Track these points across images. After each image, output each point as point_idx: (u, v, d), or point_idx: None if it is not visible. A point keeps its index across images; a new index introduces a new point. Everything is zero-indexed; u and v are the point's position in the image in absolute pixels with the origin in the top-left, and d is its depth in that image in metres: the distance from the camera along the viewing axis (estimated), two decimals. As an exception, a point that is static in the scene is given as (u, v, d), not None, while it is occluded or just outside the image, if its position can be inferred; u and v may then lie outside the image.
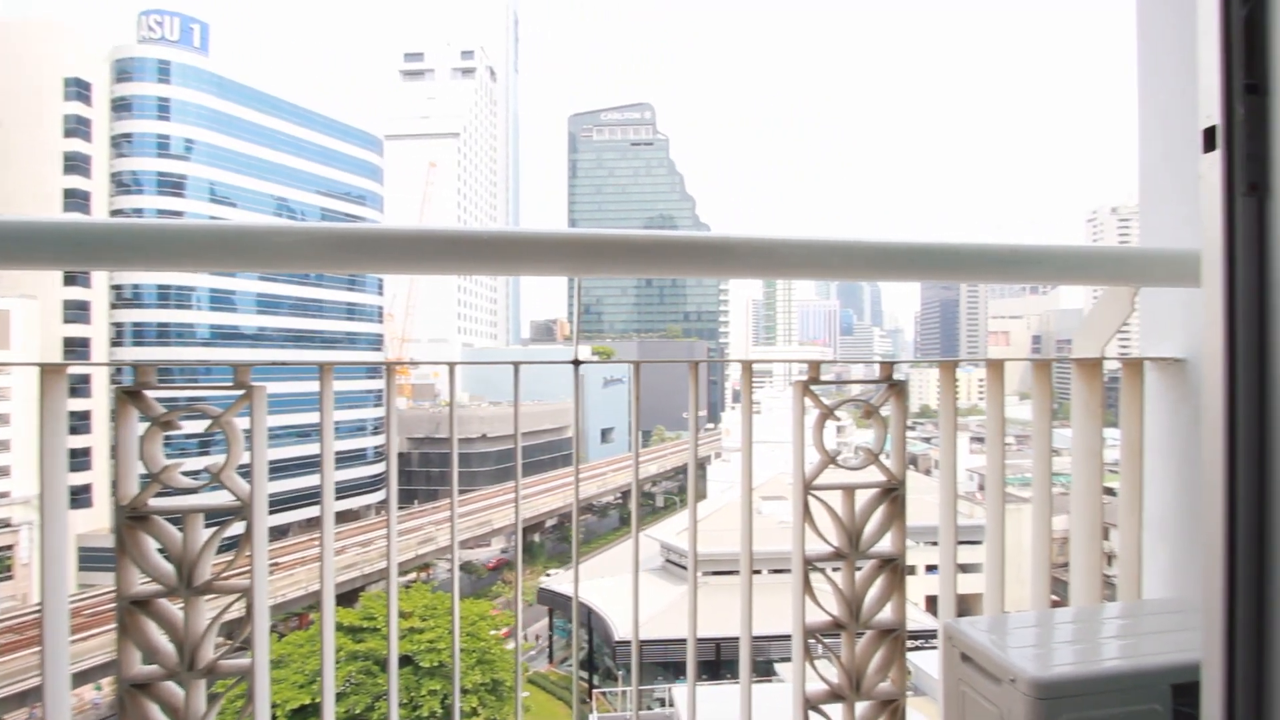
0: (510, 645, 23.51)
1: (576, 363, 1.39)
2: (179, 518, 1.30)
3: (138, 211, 34.61)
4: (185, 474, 1.33)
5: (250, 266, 1.39)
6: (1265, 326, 0.73)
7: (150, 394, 1.28)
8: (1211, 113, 0.71)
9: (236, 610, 1.34)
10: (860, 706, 1.57)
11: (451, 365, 1.40)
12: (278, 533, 30.98)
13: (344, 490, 35.45)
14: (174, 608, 1.31)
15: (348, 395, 37.74)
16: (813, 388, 1.47)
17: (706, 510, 23.28)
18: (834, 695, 1.56)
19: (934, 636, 1.56)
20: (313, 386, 1.39)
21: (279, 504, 29.45)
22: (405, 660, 15.57)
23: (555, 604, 23.22)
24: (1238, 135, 0.70)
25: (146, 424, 1.27)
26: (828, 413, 1.48)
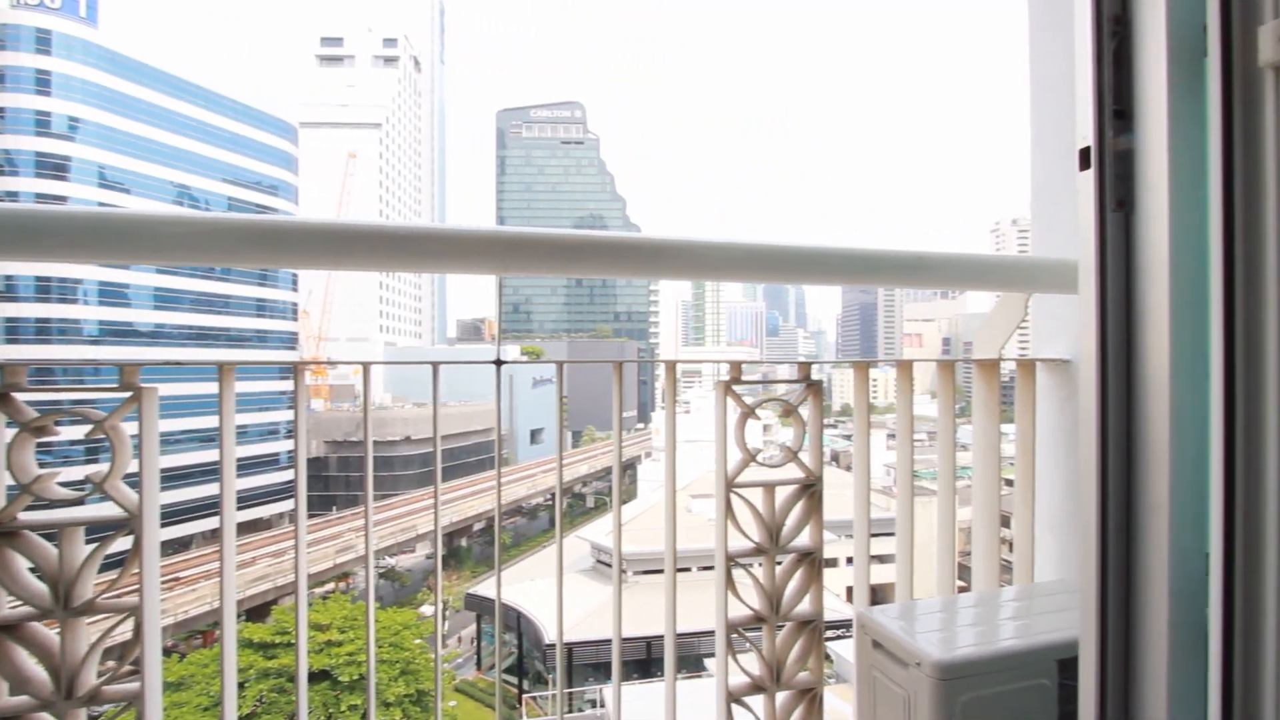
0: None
1: (499, 363, 1.37)
2: (56, 532, 1.18)
3: (12, 195, 31.29)
4: (65, 484, 1.22)
5: (142, 258, 1.28)
6: (1132, 330, 0.80)
7: (20, 396, 1.16)
8: (1086, 135, 0.78)
9: (125, 631, 1.24)
10: (781, 696, 1.62)
11: (366, 365, 1.34)
12: (179, 545, 28.82)
13: (256, 497, 33.31)
14: (50, 631, 1.19)
15: (260, 397, 35.52)
16: (735, 387, 1.50)
17: (636, 509, 23.42)
18: (755, 687, 1.60)
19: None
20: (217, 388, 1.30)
21: (180, 514, 27.40)
22: (323, 675, 14.83)
23: (483, 609, 22.72)
24: (1108, 156, 0.77)
25: (15, 430, 1.15)
26: (749, 412, 1.51)
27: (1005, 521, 1.96)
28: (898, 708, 1.28)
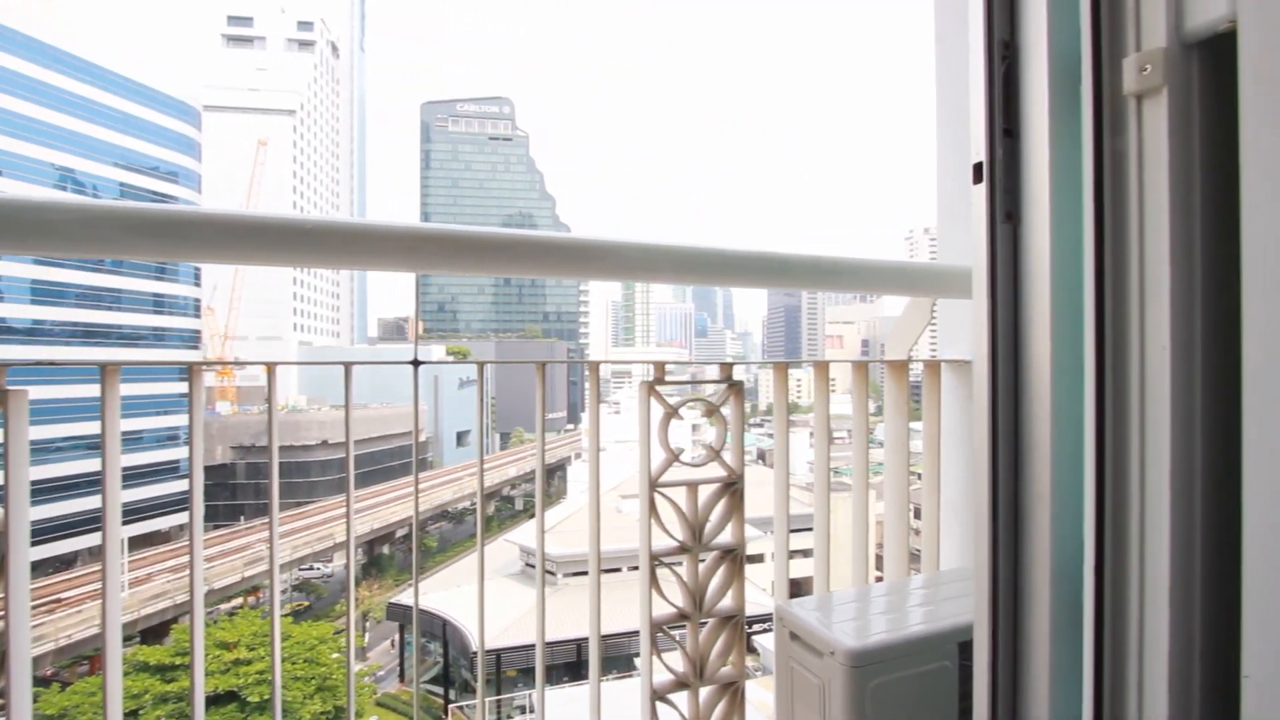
0: (357, 668, 21.83)
1: (416, 363, 1.32)
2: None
3: None
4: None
5: (12, 248, 1.16)
6: (1019, 333, 0.86)
7: None
8: (979, 150, 0.83)
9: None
10: (704, 692, 1.65)
11: (271, 365, 1.26)
12: (63, 563, 26.25)
13: (153, 508, 30.71)
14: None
15: (157, 400, 32.82)
16: (658, 388, 1.52)
17: (565, 511, 23.26)
18: (680, 684, 1.62)
19: (771, 619, 1.67)
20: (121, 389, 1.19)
21: (64, 529, 25.00)
22: (230, 697, 13.91)
23: (407, 619, 21.95)
24: (998, 171, 0.83)
25: None
26: (672, 412, 1.53)
27: (918, 513, 2.07)
28: (813, 696, 1.33)
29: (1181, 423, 0.70)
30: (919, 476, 2.05)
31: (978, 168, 0.85)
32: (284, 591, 27.49)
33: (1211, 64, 0.70)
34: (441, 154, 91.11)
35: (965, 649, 1.37)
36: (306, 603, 27.11)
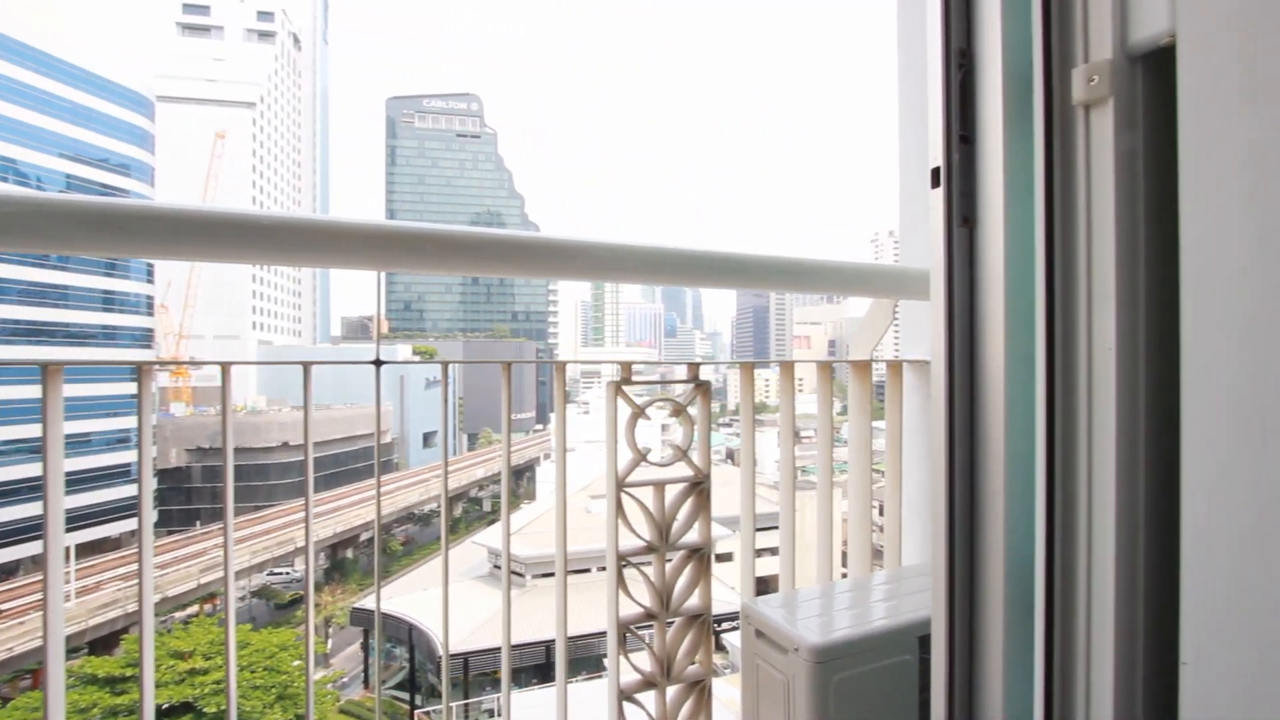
0: (319, 675, 21.35)
1: (378, 363, 1.30)
2: None
3: None
4: None
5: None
6: (975, 334, 0.89)
7: None
8: (936, 156, 0.86)
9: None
10: (671, 690, 1.65)
11: (225, 365, 1.22)
12: (4, 572, 25.03)
13: (103, 513, 29.50)
14: None
15: (107, 401, 31.54)
16: (625, 388, 1.52)
17: (535, 512, 23.09)
18: (647, 683, 1.63)
19: (738, 617, 1.68)
20: (68, 391, 1.14)
21: (3, 537, 23.86)
22: (185, 708, 13.45)
23: (371, 624, 21.52)
24: (955, 176, 0.85)
25: None
26: (639, 412, 1.53)
27: (882, 510, 2.11)
28: (778, 692, 1.34)
29: (1126, 421, 0.72)
30: (884, 474, 2.09)
31: (935, 172, 0.87)
32: (242, 598, 26.69)
33: (1154, 76, 0.73)
34: (408, 150, 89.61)
35: (925, 643, 1.41)
36: (294, 593, 26.32)
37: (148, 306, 39.53)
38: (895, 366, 2.01)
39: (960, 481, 0.88)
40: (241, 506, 31.92)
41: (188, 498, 34.56)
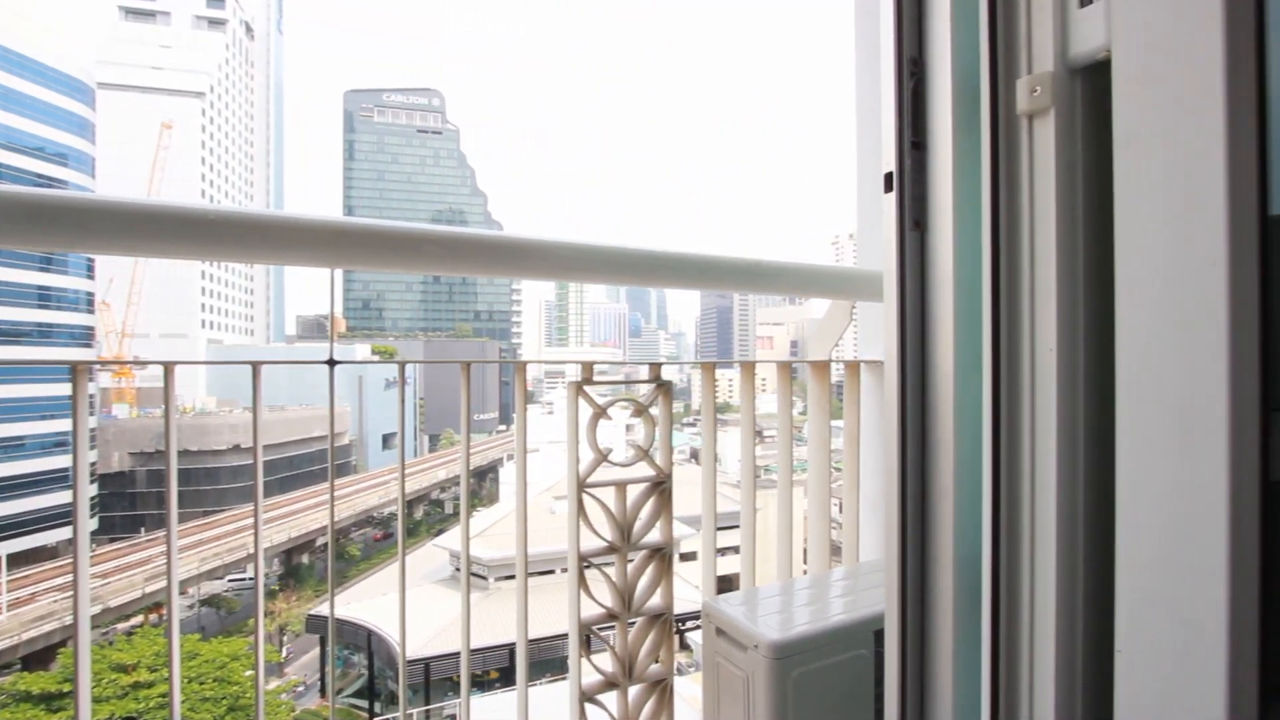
0: (273, 684, 20.69)
1: (332, 362, 1.26)
2: None
3: None
4: None
5: None
6: (926, 335, 0.91)
7: None
8: (889, 161, 0.88)
9: None
10: (633, 691, 1.65)
11: (168, 365, 1.17)
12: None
13: (38, 521, 27.98)
14: None
15: (43, 403, 29.95)
16: (586, 388, 1.51)
17: (499, 513, 22.83)
18: (609, 684, 1.62)
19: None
20: (1, 391, 1.07)
21: (-74, 548, 22.43)
22: (127, 723, 12.89)
23: (328, 630, 20.94)
24: (907, 181, 0.87)
25: None
26: (600, 412, 1.53)
27: (842, 507, 2.15)
28: (738, 689, 1.36)
29: (1066, 420, 0.76)
30: (843, 472, 2.14)
31: (888, 177, 0.89)
32: (191, 607, 25.69)
33: (1092, 88, 0.77)
34: (366, 145, 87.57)
35: (880, 637, 1.44)
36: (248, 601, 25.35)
37: (88, 303, 37.61)
38: (853, 367, 2.05)
39: (912, 479, 0.91)
40: (190, 512, 30.72)
41: (131, 503, 33.08)
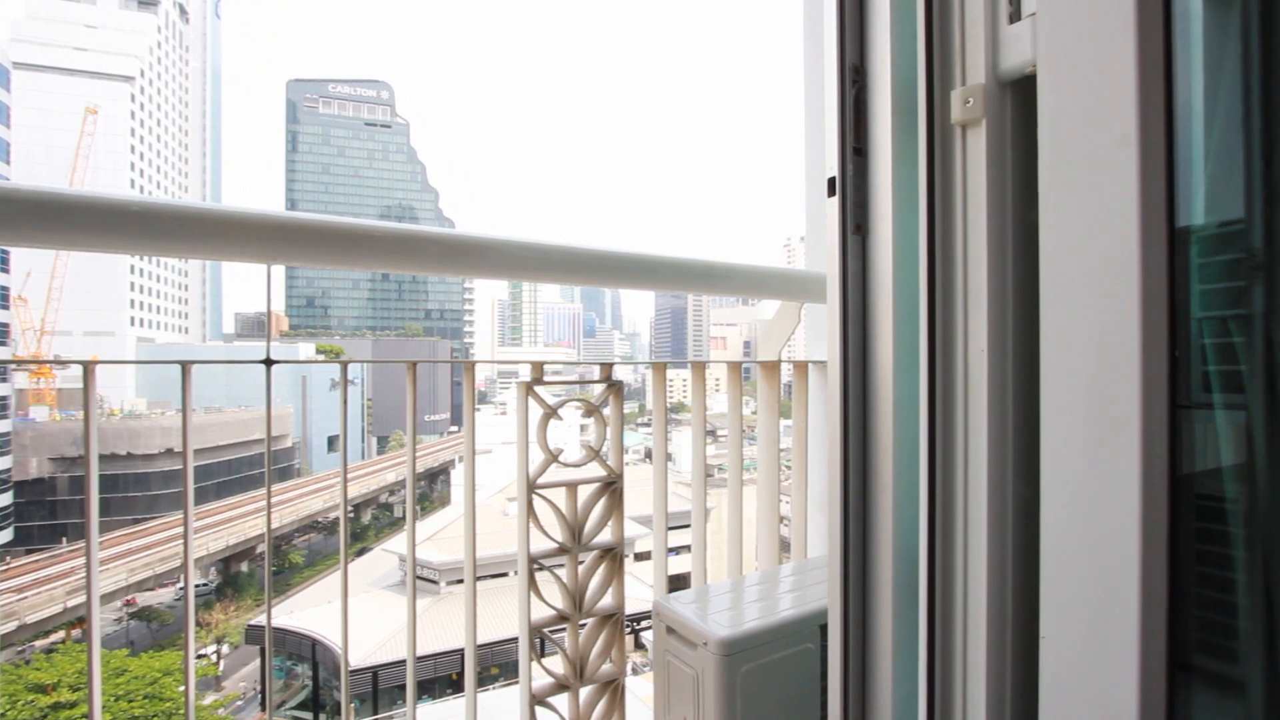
0: (210, 699, 19.77)
1: (269, 362, 1.21)
2: None
3: None
4: None
5: None
6: (867, 336, 0.94)
7: None
8: (832, 166, 0.90)
9: None
10: (584, 692, 1.65)
11: (89, 364, 1.10)
12: None
13: (-59, 534, 25.97)
14: None
15: (-51, 406, 27.79)
16: (536, 388, 1.50)
17: (450, 516, 22.40)
18: (560, 686, 1.61)
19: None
20: None
21: None
22: (46, 746, 12.10)
23: (272, 641, 20.12)
24: (849, 186, 0.90)
25: None
26: (551, 413, 1.52)
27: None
28: (688, 686, 1.37)
29: (996, 418, 0.79)
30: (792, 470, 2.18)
31: (831, 182, 0.91)
32: (119, 620, 24.29)
33: (1022, 100, 0.80)
34: (311, 137, 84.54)
35: (826, 630, 1.47)
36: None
37: (2, 298, 35.13)
38: (801, 367, 2.09)
39: (854, 475, 0.93)
40: (119, 520, 29.04)
41: (51, 511, 31.05)
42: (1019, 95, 0.80)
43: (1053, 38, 0.67)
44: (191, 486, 1.18)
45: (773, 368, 2.01)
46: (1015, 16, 0.77)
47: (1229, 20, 0.80)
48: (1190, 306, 0.81)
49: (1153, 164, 0.61)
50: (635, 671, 2.35)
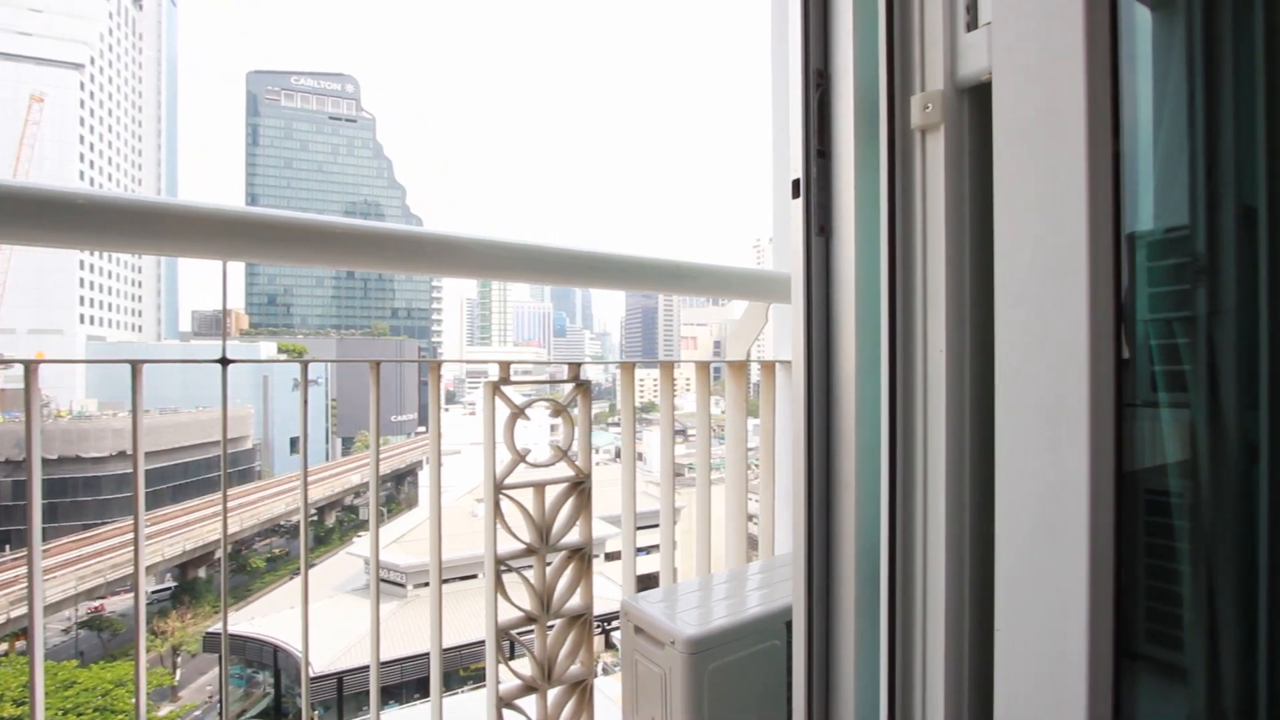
0: (166, 710, 19.13)
1: (224, 361, 1.18)
2: None
3: None
4: None
5: None
6: (831, 336, 0.95)
7: None
8: (796, 168, 0.91)
9: None
10: (553, 693, 1.64)
11: (30, 364, 1.06)
12: None
13: None
14: None
15: (-121, 408, 26.31)
16: (504, 388, 1.49)
17: (418, 518, 22.06)
18: (528, 688, 1.60)
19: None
20: None
21: None
22: (-12, 764, 11.57)
23: (231, 648, 19.56)
24: (813, 188, 0.91)
25: None
26: (518, 412, 1.51)
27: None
28: (655, 686, 1.37)
29: (954, 416, 0.81)
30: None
31: (795, 184, 0.93)
32: (66, 630, 23.31)
33: (978, 107, 0.82)
34: (272, 130, 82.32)
35: (792, 626, 1.49)
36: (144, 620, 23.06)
37: (-62, 295, 33.41)
38: (769, 366, 2.11)
39: (818, 473, 0.95)
40: (68, 525, 27.86)
41: (-6, 517, 29.65)
42: (976, 102, 0.82)
43: (1007, 47, 0.69)
44: (143, 490, 1.14)
45: (740, 367, 2.02)
46: (972, 25, 0.79)
47: (1173, 34, 0.83)
48: (1138, 308, 0.84)
49: (1100, 171, 0.63)
50: (606, 671, 2.34)
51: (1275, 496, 0.79)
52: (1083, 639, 0.64)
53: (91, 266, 51.79)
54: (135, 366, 1.17)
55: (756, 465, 2.24)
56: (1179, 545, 0.86)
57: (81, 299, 50.33)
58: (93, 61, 54.30)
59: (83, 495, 30.89)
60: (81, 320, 50.02)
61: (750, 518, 2.24)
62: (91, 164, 54.25)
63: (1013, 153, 0.68)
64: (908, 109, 0.83)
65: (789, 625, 1.50)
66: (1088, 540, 0.63)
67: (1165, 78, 0.83)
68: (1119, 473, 0.66)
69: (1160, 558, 0.86)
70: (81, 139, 52.58)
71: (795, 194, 0.92)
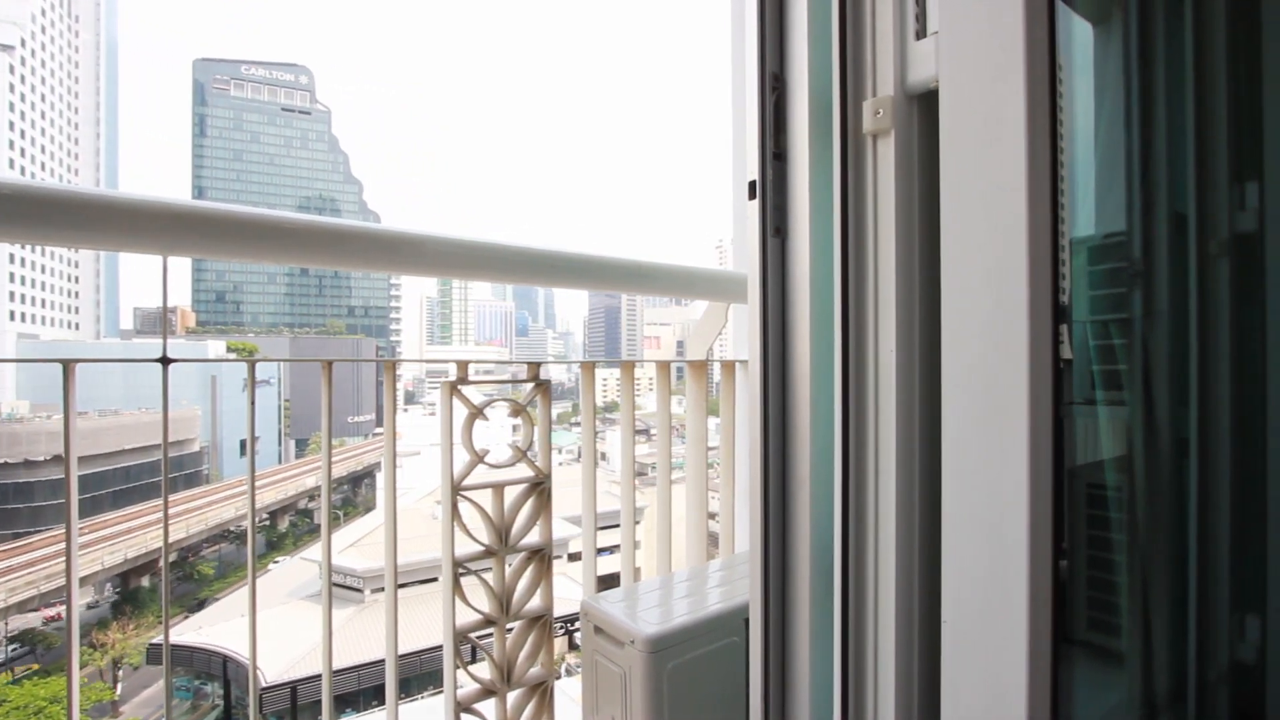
0: (102, 726, 18.28)
1: (165, 360, 1.13)
2: None
3: None
4: None
5: None
6: (786, 336, 0.96)
7: None
8: (753, 170, 0.92)
9: None
10: (512, 696, 1.62)
11: (-51, 367, 0.99)
12: None
13: None
14: None
15: None
16: (461, 388, 1.46)
17: (376, 521, 21.57)
18: (487, 692, 1.58)
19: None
20: None
21: None
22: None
23: (177, 660, 18.79)
24: (769, 190, 0.92)
25: None
26: (476, 413, 1.48)
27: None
28: (615, 685, 1.37)
29: (904, 415, 0.83)
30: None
31: (752, 185, 0.94)
32: (-5, 646, 22.02)
33: (927, 113, 0.85)
34: (221, 121, 79.29)
35: (750, 623, 1.51)
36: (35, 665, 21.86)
37: None
38: (729, 366, 2.13)
39: (774, 472, 0.96)
40: (-5, 535, 26.33)
41: (-87, 528, 27.80)
42: (925, 108, 0.84)
43: (952, 56, 0.71)
44: (75, 495, 1.09)
45: (701, 367, 2.04)
46: (921, 34, 0.81)
47: (1111, 49, 0.87)
48: (1077, 310, 0.87)
49: (1040, 178, 0.65)
50: (570, 673, 2.33)
51: (1205, 489, 0.84)
52: (1023, 628, 0.66)
53: (23, 260, 49.04)
54: (67, 366, 1.11)
55: (718, 464, 2.26)
56: (1116, 536, 0.90)
57: (11, 295, 47.59)
58: (24, 44, 51.37)
59: (14, 502, 29.23)
60: (11, 317, 47.30)
61: (711, 516, 2.26)
62: (23, 151, 51.36)
63: (957, 159, 0.70)
64: (860, 114, 0.85)
65: (748, 622, 1.52)
66: (1028, 533, 0.66)
67: (1103, 90, 0.87)
68: (1058, 468, 0.69)
69: (1098, 548, 0.90)
70: (11, 125, 49.71)
71: (752, 195, 0.94)
